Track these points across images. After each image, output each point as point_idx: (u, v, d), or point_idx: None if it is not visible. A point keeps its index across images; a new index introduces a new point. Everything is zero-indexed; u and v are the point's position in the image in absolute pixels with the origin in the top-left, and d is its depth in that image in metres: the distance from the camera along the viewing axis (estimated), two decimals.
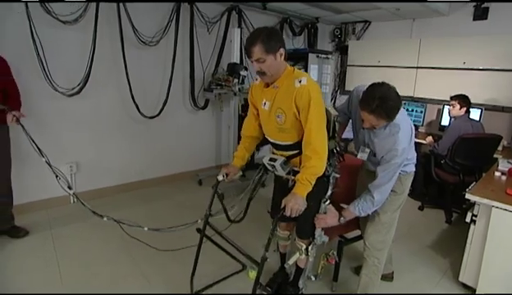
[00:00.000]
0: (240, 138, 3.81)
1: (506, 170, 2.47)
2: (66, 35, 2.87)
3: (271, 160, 1.69)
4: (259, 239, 2.23)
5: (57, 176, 2.30)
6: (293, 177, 1.64)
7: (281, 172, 1.68)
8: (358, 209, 1.69)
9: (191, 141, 4.08)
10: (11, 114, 2.23)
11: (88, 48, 2.94)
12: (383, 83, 1.55)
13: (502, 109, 3.56)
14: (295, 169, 1.66)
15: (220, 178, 1.82)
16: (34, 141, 2.13)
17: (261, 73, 1.53)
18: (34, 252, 2.41)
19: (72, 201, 3.25)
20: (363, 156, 1.78)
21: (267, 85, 1.63)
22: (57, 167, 3.03)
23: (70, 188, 2.38)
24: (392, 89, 1.54)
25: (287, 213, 1.51)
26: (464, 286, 2.17)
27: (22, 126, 2.19)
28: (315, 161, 1.52)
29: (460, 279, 2.18)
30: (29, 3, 2.59)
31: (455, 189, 3.15)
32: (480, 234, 2.04)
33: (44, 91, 2.82)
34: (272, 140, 1.72)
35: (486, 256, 2.00)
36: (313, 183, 1.54)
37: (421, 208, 3.41)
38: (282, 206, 1.53)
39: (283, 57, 1.53)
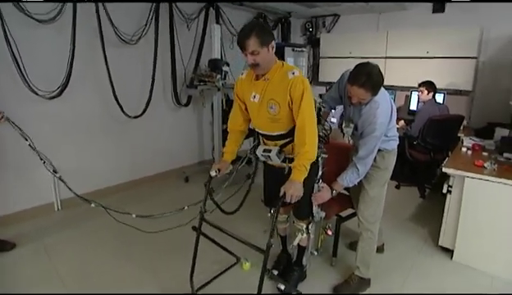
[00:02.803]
0: (223, 132, 3.91)
1: (470, 145, 2.80)
2: (42, 35, 2.75)
3: (265, 151, 1.74)
4: (253, 229, 2.35)
5: (41, 159, 2.28)
6: (288, 164, 1.71)
7: (275, 161, 1.74)
8: (346, 181, 1.86)
9: (175, 138, 4.07)
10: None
11: (66, 48, 2.83)
12: (368, 63, 1.74)
13: (460, 92, 3.97)
14: (289, 156, 1.74)
15: (213, 174, 1.85)
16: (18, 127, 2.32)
17: (255, 65, 1.58)
18: (29, 265, 2.31)
19: (57, 208, 3.14)
20: (348, 131, 1.98)
21: (257, 78, 1.69)
22: (39, 175, 2.94)
23: (55, 171, 2.37)
24: (376, 67, 1.73)
25: (287, 200, 1.60)
26: (443, 249, 2.46)
27: (10, 121, 2.31)
28: (309, 147, 1.60)
29: (440, 243, 2.46)
30: None
31: (427, 167, 3.49)
32: (455, 202, 2.33)
33: (22, 94, 2.68)
34: (263, 132, 1.78)
35: (461, 221, 2.28)
36: (308, 168, 1.64)
37: (397, 187, 3.73)
38: (282, 193, 1.60)
39: (273, 50, 1.62)
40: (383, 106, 1.79)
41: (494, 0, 3.56)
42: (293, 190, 1.58)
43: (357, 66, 1.75)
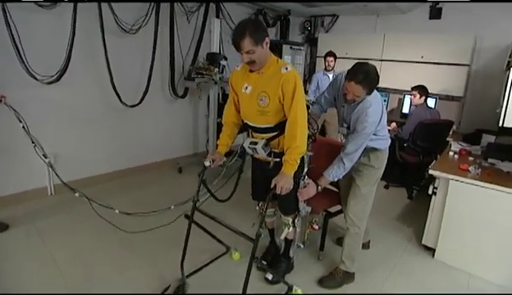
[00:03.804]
0: (218, 125, 3.96)
1: (458, 150, 2.90)
2: (42, 20, 2.75)
3: (251, 143, 1.78)
4: (243, 221, 2.42)
5: (33, 143, 2.31)
6: (274, 159, 1.76)
7: (261, 154, 1.77)
8: (332, 175, 1.92)
9: (170, 129, 4.11)
10: None
11: (66, 34, 2.84)
12: (367, 62, 1.83)
13: (452, 98, 4.08)
14: (274, 151, 1.78)
15: (207, 164, 1.88)
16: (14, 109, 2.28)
17: (251, 62, 1.62)
18: (22, 246, 2.35)
19: (50, 192, 3.16)
20: (342, 130, 2.05)
21: (251, 71, 1.72)
22: (34, 159, 2.96)
23: (45, 156, 2.39)
24: (374, 67, 1.82)
25: (277, 191, 1.66)
26: (426, 248, 2.56)
27: (8, 105, 2.28)
28: (300, 141, 1.65)
29: (423, 242, 2.56)
30: None
31: (416, 169, 3.59)
32: (439, 203, 2.42)
33: (20, 78, 2.69)
34: (251, 124, 1.81)
35: (444, 221, 2.38)
36: (299, 162, 1.70)
37: (386, 187, 3.82)
38: (272, 185, 1.67)
39: (268, 46, 1.65)
40: (374, 106, 1.86)
41: (486, 0, 3.64)
42: (283, 182, 1.64)
43: (356, 64, 1.82)
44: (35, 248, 2.32)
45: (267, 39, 1.62)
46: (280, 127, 1.74)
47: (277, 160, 1.77)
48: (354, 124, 1.89)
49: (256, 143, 1.76)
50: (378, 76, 1.81)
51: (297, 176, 1.79)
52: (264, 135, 1.79)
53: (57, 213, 2.82)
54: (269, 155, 1.78)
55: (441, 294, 2.09)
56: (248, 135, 1.93)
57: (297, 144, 1.65)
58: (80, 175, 3.32)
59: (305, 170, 1.89)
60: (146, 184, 3.57)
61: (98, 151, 3.43)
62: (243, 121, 1.89)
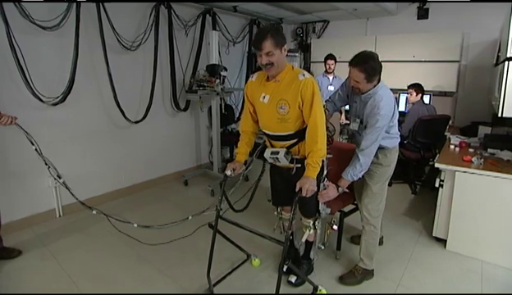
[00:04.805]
0: (222, 135, 4.01)
1: (458, 143, 3.01)
2: (46, 42, 2.78)
3: (273, 153, 1.83)
4: (259, 227, 2.45)
5: (46, 164, 2.32)
6: (297, 165, 1.82)
7: (284, 162, 1.82)
8: (350, 175, 1.96)
9: (174, 143, 4.13)
10: (8, 116, 2.24)
11: (70, 54, 2.86)
12: (369, 51, 1.91)
13: (445, 94, 4.23)
14: (296, 157, 1.84)
15: (228, 173, 1.92)
16: (26, 132, 2.30)
17: (269, 65, 1.67)
18: (39, 270, 2.32)
19: (58, 214, 3.13)
20: (354, 126, 2.11)
21: (268, 79, 1.79)
22: (40, 181, 2.94)
23: (59, 176, 2.41)
24: (375, 55, 1.89)
25: (303, 194, 1.71)
26: (437, 239, 2.64)
27: (19, 126, 2.28)
28: (321, 145, 1.71)
29: (434, 234, 2.64)
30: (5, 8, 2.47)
31: (417, 165, 3.69)
32: (447, 195, 2.51)
33: (26, 101, 2.70)
34: (271, 133, 1.85)
35: (453, 212, 2.47)
36: (321, 164, 1.76)
37: (390, 184, 3.87)
38: (297, 189, 1.71)
39: (285, 52, 1.73)
40: (386, 100, 1.91)
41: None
42: (308, 185, 1.69)
43: (360, 52, 1.91)
44: (52, 271, 2.30)
45: (285, 46, 1.70)
46: (299, 134, 1.80)
47: (299, 166, 1.82)
48: (367, 118, 1.94)
49: (277, 153, 1.82)
50: (379, 63, 1.87)
51: (317, 179, 1.83)
52: (284, 143, 1.84)
53: (69, 234, 2.81)
54: (291, 162, 1.83)
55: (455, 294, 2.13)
56: (264, 146, 1.98)
57: (318, 147, 1.71)
58: (88, 195, 3.29)
59: (324, 172, 1.93)
60: (155, 199, 3.57)
61: (103, 169, 3.43)
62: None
